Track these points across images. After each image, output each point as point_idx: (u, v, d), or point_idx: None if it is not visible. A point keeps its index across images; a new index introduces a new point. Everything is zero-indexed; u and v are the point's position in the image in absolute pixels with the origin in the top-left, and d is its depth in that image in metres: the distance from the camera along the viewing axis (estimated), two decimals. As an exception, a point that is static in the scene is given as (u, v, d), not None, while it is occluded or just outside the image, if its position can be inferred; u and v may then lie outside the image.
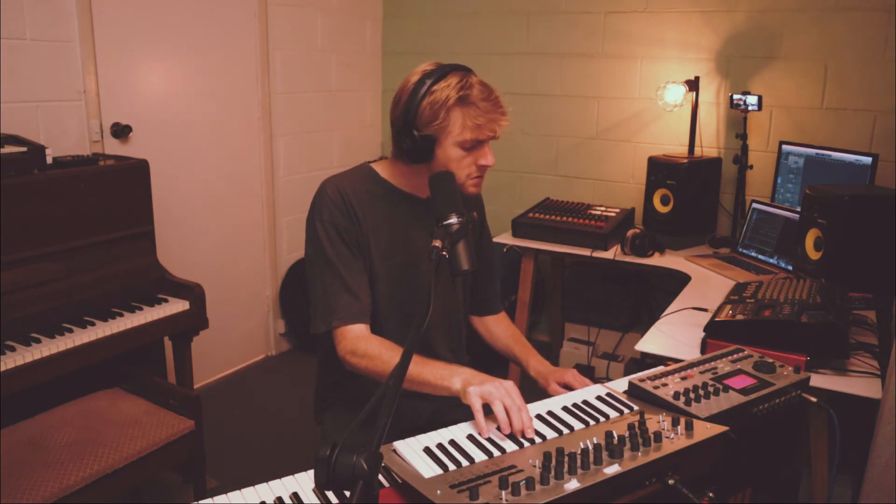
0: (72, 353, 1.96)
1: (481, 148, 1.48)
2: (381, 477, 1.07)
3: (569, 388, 1.49)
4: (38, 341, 1.92)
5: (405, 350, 1.03)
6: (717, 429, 1.11)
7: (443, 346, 1.67)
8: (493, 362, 1.78)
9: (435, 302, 1.11)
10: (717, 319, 1.74)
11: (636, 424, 1.12)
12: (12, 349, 1.86)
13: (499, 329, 1.79)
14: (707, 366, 1.34)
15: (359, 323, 1.49)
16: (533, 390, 1.49)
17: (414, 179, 1.56)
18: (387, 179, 1.58)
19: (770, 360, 1.36)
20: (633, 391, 1.28)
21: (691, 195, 2.90)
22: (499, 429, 1.19)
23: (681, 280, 2.55)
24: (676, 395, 1.21)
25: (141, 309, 2.22)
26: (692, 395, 1.20)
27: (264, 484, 1.08)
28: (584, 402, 1.28)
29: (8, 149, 2.04)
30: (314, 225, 1.52)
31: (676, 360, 1.46)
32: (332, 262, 1.50)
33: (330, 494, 1.05)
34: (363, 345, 1.45)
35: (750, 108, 2.87)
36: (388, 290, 1.57)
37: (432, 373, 1.35)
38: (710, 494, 1.18)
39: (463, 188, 1.49)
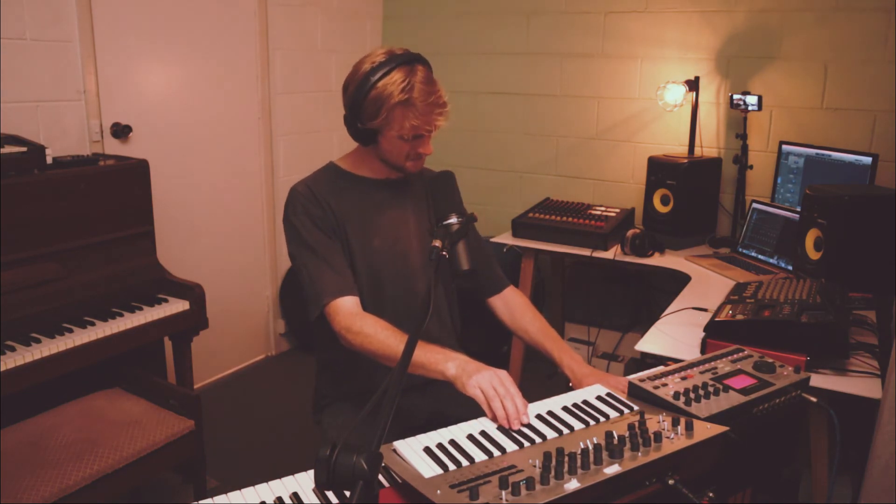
0: (72, 353, 1.96)
1: (421, 139, 1.55)
2: (381, 477, 1.07)
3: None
4: (38, 341, 1.92)
5: (405, 350, 1.04)
6: (717, 429, 1.11)
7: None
8: (492, 363, 1.77)
9: (421, 299, 1.12)
10: (717, 319, 1.74)
11: (636, 424, 1.12)
12: (12, 349, 1.86)
13: (525, 320, 1.73)
14: (707, 366, 1.34)
15: (348, 295, 1.52)
16: (532, 390, 1.49)
17: (372, 163, 1.65)
18: (349, 171, 1.66)
19: (770, 360, 1.36)
20: (633, 391, 1.28)
21: (691, 195, 2.90)
22: (499, 429, 1.19)
23: (681, 280, 2.55)
24: (676, 395, 1.21)
25: (141, 309, 2.22)
26: (692, 395, 1.20)
27: (264, 484, 1.08)
28: (584, 402, 1.28)
29: (8, 149, 2.04)
30: (290, 222, 1.59)
31: (676, 360, 1.46)
32: (311, 248, 1.55)
33: (330, 494, 1.05)
34: (359, 322, 1.48)
35: (750, 108, 2.87)
36: (370, 275, 1.61)
37: (427, 356, 1.37)
38: (710, 494, 1.18)
39: (403, 169, 1.60)
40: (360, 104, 1.51)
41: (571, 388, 1.45)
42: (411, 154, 1.57)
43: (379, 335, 1.44)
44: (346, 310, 1.50)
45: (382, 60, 1.50)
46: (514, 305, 1.77)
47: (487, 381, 1.27)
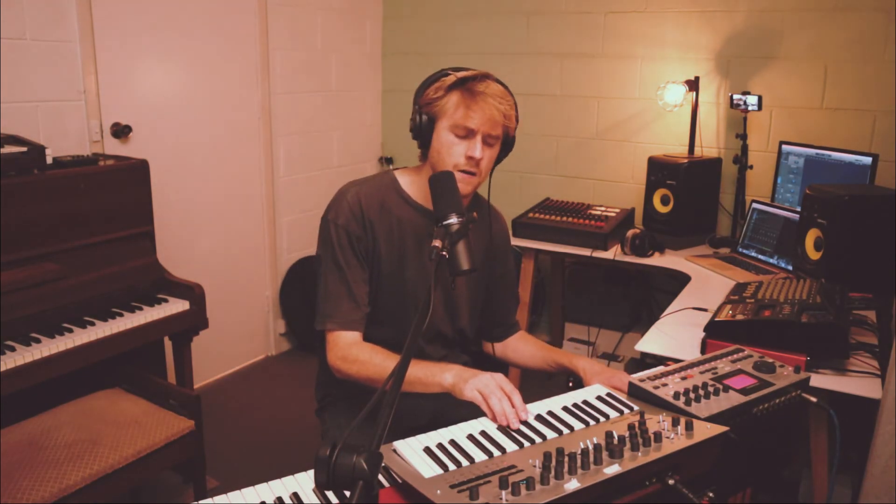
0: (72, 353, 1.96)
1: (473, 139, 1.47)
2: (381, 477, 1.07)
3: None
4: (38, 341, 1.92)
5: (406, 349, 1.04)
6: (717, 429, 1.11)
7: (436, 345, 1.67)
8: (492, 364, 1.78)
9: (431, 299, 1.12)
10: (717, 319, 1.74)
11: (636, 424, 1.12)
12: (12, 349, 1.86)
13: (528, 347, 1.76)
14: (707, 366, 1.34)
15: (354, 331, 1.50)
16: (532, 390, 1.49)
17: (426, 185, 1.56)
18: (404, 189, 1.60)
19: (770, 360, 1.36)
20: (633, 391, 1.28)
21: (691, 195, 2.90)
22: (499, 429, 1.19)
23: (681, 280, 2.55)
24: (676, 395, 1.21)
25: (141, 309, 2.22)
26: (692, 395, 1.20)
27: (264, 484, 1.08)
28: (584, 402, 1.28)
29: (8, 149, 2.03)
30: (328, 227, 1.54)
31: (676, 360, 1.46)
32: (340, 266, 1.52)
33: (330, 494, 1.05)
34: (355, 350, 1.47)
35: (750, 108, 2.87)
36: (396, 303, 1.58)
37: (423, 370, 1.37)
38: (710, 494, 1.18)
39: None
40: (424, 89, 1.50)
41: (571, 388, 1.45)
42: (460, 160, 1.47)
43: (374, 360, 1.43)
44: (345, 342, 1.49)
45: (462, 67, 1.51)
46: (517, 345, 1.79)
47: (484, 383, 1.28)
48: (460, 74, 1.47)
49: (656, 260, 2.74)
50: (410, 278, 1.58)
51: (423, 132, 1.51)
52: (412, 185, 1.60)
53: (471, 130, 1.46)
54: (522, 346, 1.77)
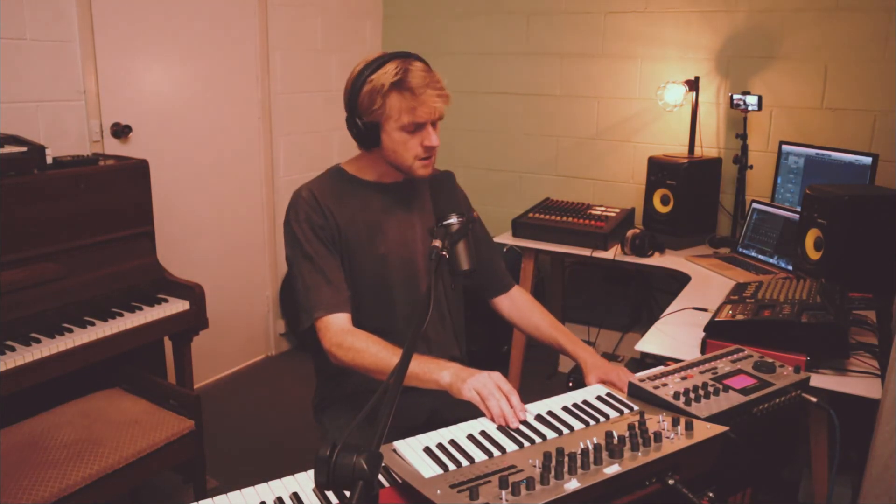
0: (72, 353, 1.96)
1: (424, 129, 1.51)
2: (381, 477, 1.07)
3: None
4: (38, 341, 1.92)
5: (405, 350, 1.04)
6: (717, 429, 1.11)
7: (432, 341, 1.67)
8: (493, 363, 1.78)
9: (431, 299, 1.12)
10: (717, 319, 1.74)
11: (636, 424, 1.12)
12: (12, 349, 1.86)
13: (535, 317, 1.74)
14: (707, 366, 1.34)
15: (340, 312, 1.51)
16: (532, 390, 1.49)
17: (378, 167, 1.62)
18: (354, 175, 1.64)
19: (770, 360, 1.36)
20: (633, 391, 1.28)
21: (691, 195, 2.90)
22: (499, 429, 1.20)
23: (681, 280, 2.55)
24: (676, 395, 1.21)
25: (141, 309, 2.22)
26: (692, 395, 1.20)
27: (264, 484, 1.08)
28: (584, 402, 1.28)
29: (8, 149, 2.03)
30: (291, 227, 1.58)
31: (676, 360, 1.46)
32: (310, 257, 1.54)
33: (330, 494, 1.05)
34: (350, 338, 1.47)
35: (750, 108, 2.87)
36: (373, 282, 1.60)
37: (420, 367, 1.37)
38: (710, 494, 1.18)
39: (411, 171, 1.55)
40: (356, 99, 1.50)
41: (571, 388, 1.45)
42: (418, 151, 1.52)
43: (371, 349, 1.43)
44: (337, 326, 1.49)
45: (376, 57, 1.51)
46: (521, 304, 1.79)
47: (482, 383, 1.28)
48: (389, 75, 1.46)
49: (656, 260, 2.74)
50: (385, 255, 1.59)
51: (369, 138, 1.53)
52: (362, 169, 1.64)
53: (421, 124, 1.50)
54: (529, 314, 1.76)
